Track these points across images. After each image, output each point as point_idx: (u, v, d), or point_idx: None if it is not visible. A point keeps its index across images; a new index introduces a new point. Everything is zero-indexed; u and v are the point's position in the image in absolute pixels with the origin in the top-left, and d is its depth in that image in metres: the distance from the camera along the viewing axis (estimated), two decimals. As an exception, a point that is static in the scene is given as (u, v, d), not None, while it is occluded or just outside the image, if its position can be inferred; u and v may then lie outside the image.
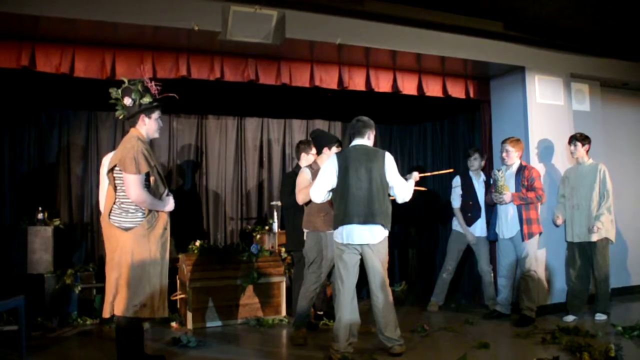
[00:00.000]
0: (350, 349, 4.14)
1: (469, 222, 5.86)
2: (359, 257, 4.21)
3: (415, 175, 4.54)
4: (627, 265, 6.58)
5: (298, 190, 4.80)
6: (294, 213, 5.20)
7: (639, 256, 6.76)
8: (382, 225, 4.14)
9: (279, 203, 6.33)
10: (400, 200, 4.30)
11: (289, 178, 5.30)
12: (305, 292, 4.74)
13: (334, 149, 4.86)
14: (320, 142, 4.98)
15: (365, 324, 4.66)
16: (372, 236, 4.13)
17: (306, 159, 5.41)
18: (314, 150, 5.22)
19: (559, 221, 5.59)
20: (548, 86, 6.02)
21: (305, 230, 4.87)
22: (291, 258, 5.78)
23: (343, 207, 4.14)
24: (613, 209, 5.43)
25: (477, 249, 5.89)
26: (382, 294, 4.18)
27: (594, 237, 5.31)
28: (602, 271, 5.37)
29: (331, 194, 4.29)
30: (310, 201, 4.59)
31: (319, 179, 4.28)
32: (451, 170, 5.17)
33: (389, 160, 4.25)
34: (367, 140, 4.34)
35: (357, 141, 4.33)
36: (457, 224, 6.00)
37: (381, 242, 4.17)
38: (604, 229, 5.32)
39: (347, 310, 4.16)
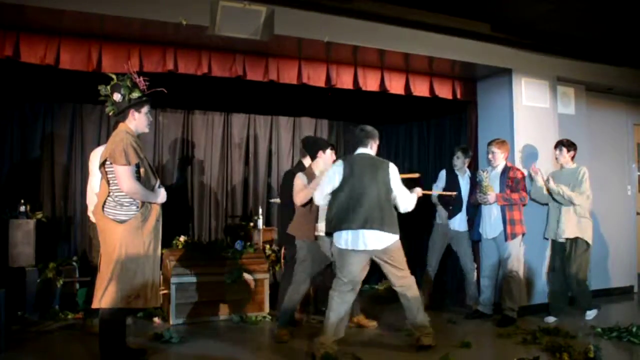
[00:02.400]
0: (334, 346, 4.15)
1: (450, 215, 5.88)
2: (361, 261, 4.22)
3: (419, 191, 4.56)
4: (607, 268, 6.67)
5: (295, 193, 4.78)
6: (290, 212, 5.19)
7: (619, 258, 6.85)
8: (389, 231, 4.15)
9: (278, 200, 6.36)
10: (402, 210, 4.35)
11: (289, 176, 5.29)
12: (293, 291, 4.75)
13: (329, 152, 4.94)
14: (313, 146, 5.02)
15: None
16: (379, 241, 4.15)
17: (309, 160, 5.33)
18: (319, 153, 5.05)
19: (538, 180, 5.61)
20: (534, 89, 6.07)
21: (298, 241, 4.86)
22: (283, 256, 5.77)
23: (346, 213, 4.15)
24: (588, 212, 5.46)
25: (457, 245, 5.90)
26: (402, 291, 4.32)
27: (570, 234, 5.35)
28: (580, 271, 5.37)
29: (329, 197, 4.29)
30: (307, 204, 4.68)
31: (323, 182, 4.32)
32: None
33: (393, 170, 4.30)
34: (369, 149, 4.39)
35: (360, 150, 4.38)
36: (439, 218, 6.02)
37: (390, 246, 4.19)
38: (581, 227, 5.36)
39: (338, 307, 4.18)
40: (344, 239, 4.17)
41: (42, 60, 4.54)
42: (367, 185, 4.16)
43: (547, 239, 5.68)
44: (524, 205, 5.45)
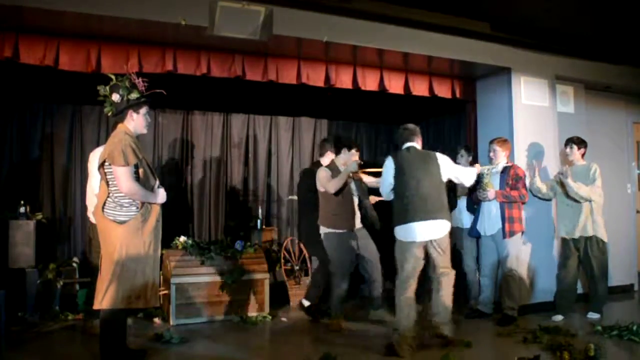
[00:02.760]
0: (413, 341, 4.22)
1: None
2: (422, 252, 4.31)
3: (477, 167, 5.02)
4: (609, 267, 6.65)
5: (324, 183, 5.06)
6: (311, 210, 5.39)
7: (619, 257, 6.84)
8: (444, 219, 4.29)
9: (295, 197, 6.53)
10: (467, 183, 4.65)
11: (307, 174, 5.38)
12: (336, 295, 5.10)
13: (353, 151, 5.20)
14: (340, 142, 5.31)
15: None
16: (435, 231, 4.26)
17: (329, 157, 5.55)
18: (343, 150, 5.35)
19: (536, 182, 5.69)
20: (533, 87, 6.07)
21: (323, 230, 5.10)
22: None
23: (405, 206, 4.26)
24: (601, 209, 5.49)
25: (460, 243, 5.89)
26: (445, 283, 4.38)
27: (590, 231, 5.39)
28: (599, 269, 5.40)
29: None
30: (338, 192, 4.98)
31: (384, 178, 4.44)
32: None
33: (442, 158, 4.45)
34: (417, 143, 4.51)
35: (409, 144, 4.48)
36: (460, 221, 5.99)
37: (444, 235, 4.33)
38: (597, 226, 5.40)
39: (406, 304, 4.26)
40: (405, 231, 4.27)
41: (42, 62, 4.54)
42: (421, 177, 4.28)
43: (559, 237, 5.67)
44: (523, 203, 5.44)
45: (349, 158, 5.20)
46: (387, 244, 5.23)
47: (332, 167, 5.17)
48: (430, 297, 4.51)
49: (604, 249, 5.47)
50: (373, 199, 5.50)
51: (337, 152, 5.31)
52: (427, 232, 4.24)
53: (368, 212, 5.26)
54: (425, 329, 4.50)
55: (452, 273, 4.45)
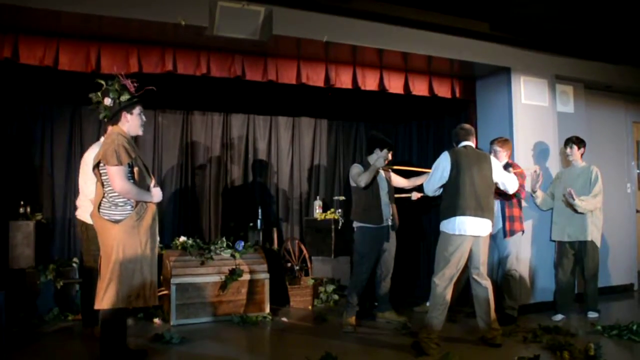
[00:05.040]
0: (439, 340, 4.31)
1: None
2: (468, 248, 4.38)
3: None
4: (607, 266, 6.66)
5: (355, 178, 5.20)
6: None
7: (620, 257, 6.85)
8: (490, 219, 4.43)
9: (342, 198, 6.95)
10: (511, 190, 4.69)
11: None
12: (353, 287, 5.13)
13: (385, 152, 5.26)
14: (374, 142, 5.38)
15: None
16: (483, 229, 4.38)
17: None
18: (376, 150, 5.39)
19: (538, 195, 5.73)
20: (533, 87, 6.07)
21: (356, 224, 5.21)
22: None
23: (457, 200, 4.34)
24: (600, 214, 5.52)
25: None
26: (488, 285, 4.48)
27: (588, 236, 5.42)
28: (591, 271, 5.48)
29: (442, 189, 4.51)
30: (366, 189, 5.11)
31: (433, 174, 4.52)
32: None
33: (495, 161, 4.61)
34: (471, 144, 4.62)
35: (465, 142, 4.59)
36: None
37: (488, 235, 4.49)
38: (593, 229, 5.43)
39: (443, 302, 4.31)
40: (456, 225, 4.32)
41: (41, 62, 4.54)
42: (476, 174, 4.38)
43: (553, 241, 5.69)
44: (519, 200, 5.42)
45: (382, 157, 5.25)
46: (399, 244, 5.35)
47: (365, 164, 5.26)
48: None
49: (597, 252, 5.52)
50: (416, 195, 5.68)
51: (370, 152, 5.37)
52: (477, 228, 4.34)
53: (391, 211, 5.29)
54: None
55: (489, 281, 4.54)
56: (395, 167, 5.64)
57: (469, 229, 4.32)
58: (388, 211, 5.24)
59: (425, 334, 4.25)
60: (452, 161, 4.42)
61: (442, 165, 4.46)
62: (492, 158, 4.63)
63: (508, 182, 4.63)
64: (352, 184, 5.30)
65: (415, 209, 7.02)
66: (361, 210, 5.19)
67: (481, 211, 4.34)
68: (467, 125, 4.72)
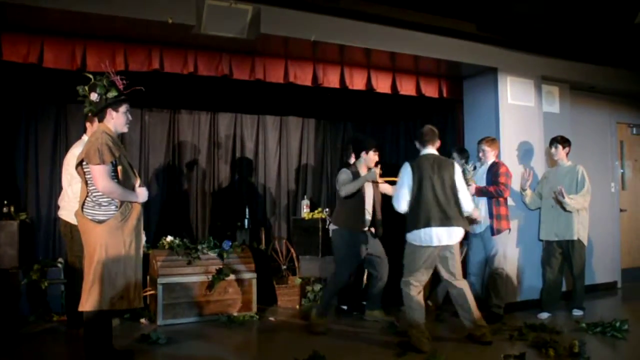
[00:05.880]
0: (427, 338, 4.30)
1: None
2: (436, 255, 4.38)
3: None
4: (591, 264, 6.73)
5: (340, 185, 5.11)
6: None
7: (604, 256, 6.93)
8: (459, 226, 4.35)
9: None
10: (465, 207, 4.44)
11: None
12: (329, 290, 5.09)
13: (371, 154, 5.20)
14: (358, 146, 5.29)
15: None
16: (450, 237, 4.33)
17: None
18: (362, 154, 5.31)
19: (527, 194, 5.77)
20: (519, 87, 6.12)
21: (333, 227, 5.17)
22: None
23: (420, 212, 4.30)
24: (586, 213, 5.58)
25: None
26: (463, 285, 4.49)
27: (574, 235, 5.47)
28: (579, 269, 5.53)
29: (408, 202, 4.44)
30: (350, 197, 5.02)
31: (399, 191, 4.44)
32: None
33: (458, 169, 4.51)
34: (435, 148, 4.56)
35: (427, 150, 4.52)
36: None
37: (458, 242, 4.43)
38: (581, 227, 5.50)
39: (419, 305, 4.35)
40: (421, 236, 4.31)
41: (26, 59, 4.48)
42: (438, 183, 4.33)
43: (541, 240, 5.74)
44: (500, 197, 5.44)
45: (369, 161, 5.20)
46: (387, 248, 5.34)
47: (354, 171, 5.18)
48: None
49: (584, 250, 5.58)
50: None
51: (357, 156, 5.28)
52: (444, 237, 4.30)
53: (376, 217, 5.27)
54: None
55: (464, 281, 4.57)
56: (388, 179, 5.49)
57: (436, 239, 4.29)
58: (369, 219, 5.22)
59: (416, 331, 4.26)
60: (413, 173, 4.38)
61: (406, 178, 4.40)
62: (457, 166, 4.53)
63: (464, 197, 4.45)
64: (338, 188, 5.23)
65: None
66: (344, 216, 5.13)
67: (448, 220, 4.29)
68: (430, 129, 4.58)
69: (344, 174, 5.16)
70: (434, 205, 4.29)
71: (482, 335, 4.44)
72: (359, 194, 5.11)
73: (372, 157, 5.21)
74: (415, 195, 4.35)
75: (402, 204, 4.42)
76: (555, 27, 5.86)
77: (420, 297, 4.37)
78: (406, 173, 4.41)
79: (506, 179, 5.41)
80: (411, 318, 4.34)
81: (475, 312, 4.48)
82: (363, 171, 5.18)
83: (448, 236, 4.31)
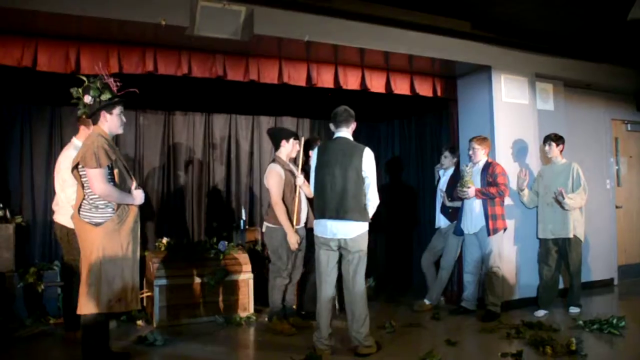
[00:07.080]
0: (332, 340, 4.23)
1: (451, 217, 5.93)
2: (337, 251, 4.18)
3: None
4: (588, 261, 6.75)
5: (270, 185, 4.99)
6: None
7: (599, 253, 6.95)
8: (356, 220, 4.06)
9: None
10: (371, 204, 4.17)
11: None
12: (275, 291, 4.98)
13: (292, 142, 5.10)
14: (277, 136, 5.20)
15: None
16: (346, 231, 4.08)
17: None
18: (282, 142, 5.19)
19: (525, 194, 5.75)
20: (514, 85, 6.13)
21: (267, 225, 5.03)
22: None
23: (318, 201, 4.18)
24: (584, 210, 5.60)
25: (445, 241, 5.93)
26: (354, 288, 4.15)
27: (570, 233, 5.47)
28: (576, 266, 5.54)
29: None
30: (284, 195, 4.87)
31: (312, 175, 4.33)
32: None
33: (368, 156, 4.18)
34: (349, 131, 4.33)
35: (340, 133, 4.30)
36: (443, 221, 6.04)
37: (357, 236, 4.10)
38: (578, 224, 5.51)
39: (325, 303, 4.20)
40: (318, 227, 4.19)
41: (19, 63, 4.46)
42: (339, 172, 4.08)
43: (539, 239, 5.75)
44: (502, 199, 5.48)
45: (291, 149, 5.12)
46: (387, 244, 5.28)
47: (281, 163, 5.05)
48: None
49: (580, 248, 5.59)
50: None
51: (277, 147, 5.17)
52: (339, 231, 4.07)
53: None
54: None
55: (361, 282, 4.20)
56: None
57: (329, 232, 4.07)
58: (305, 212, 5.12)
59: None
60: (317, 159, 4.20)
61: (312, 163, 4.24)
62: (368, 154, 4.17)
63: (371, 189, 4.13)
64: (267, 185, 5.07)
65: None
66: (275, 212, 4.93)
67: (344, 213, 4.02)
68: (345, 109, 4.32)
69: (276, 175, 4.95)
70: (332, 195, 4.05)
71: (357, 347, 4.18)
72: (290, 191, 4.99)
73: (293, 145, 5.11)
74: (319, 182, 4.15)
75: (313, 190, 4.28)
76: (550, 25, 5.86)
77: (327, 298, 4.17)
78: (313, 157, 4.25)
79: (504, 178, 5.44)
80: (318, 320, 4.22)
81: (357, 324, 4.14)
82: (285, 159, 5.10)
83: (342, 230, 4.05)
